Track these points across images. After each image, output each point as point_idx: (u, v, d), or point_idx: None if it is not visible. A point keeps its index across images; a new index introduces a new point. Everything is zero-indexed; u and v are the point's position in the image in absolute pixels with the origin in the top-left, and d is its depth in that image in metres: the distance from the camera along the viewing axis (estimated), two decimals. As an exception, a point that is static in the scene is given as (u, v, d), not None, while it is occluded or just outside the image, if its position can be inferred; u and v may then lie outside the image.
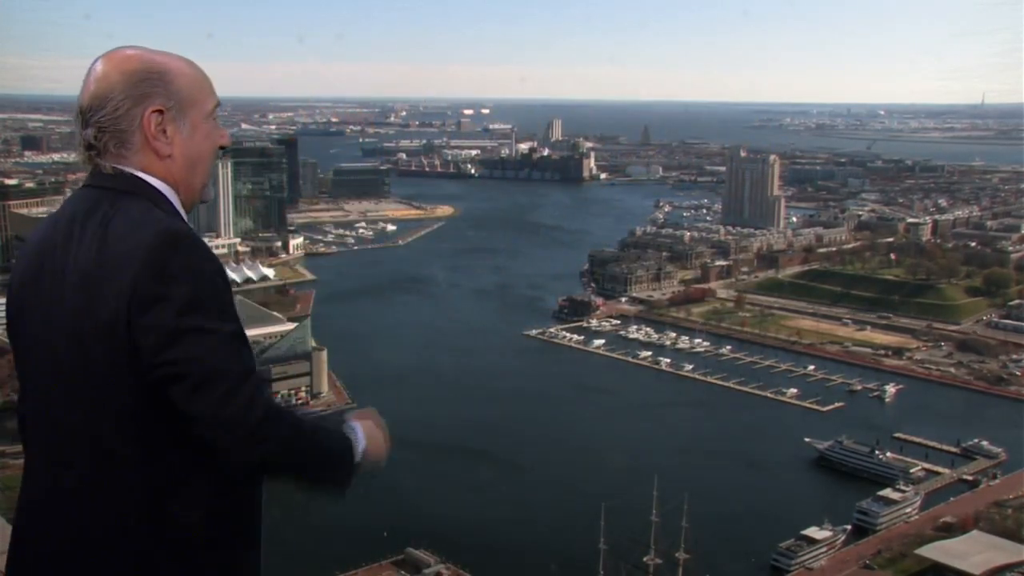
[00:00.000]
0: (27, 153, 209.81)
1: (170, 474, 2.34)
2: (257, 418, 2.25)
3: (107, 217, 2.33)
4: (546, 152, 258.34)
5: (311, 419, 2.50)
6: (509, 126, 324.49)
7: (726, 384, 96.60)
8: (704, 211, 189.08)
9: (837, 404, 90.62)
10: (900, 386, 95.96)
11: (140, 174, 2.43)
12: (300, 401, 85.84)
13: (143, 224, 2.29)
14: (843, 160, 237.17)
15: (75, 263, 2.30)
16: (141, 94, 2.40)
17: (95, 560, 2.36)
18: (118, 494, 2.33)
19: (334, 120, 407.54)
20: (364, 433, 2.63)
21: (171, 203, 2.46)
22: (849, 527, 65.26)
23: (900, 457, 77.23)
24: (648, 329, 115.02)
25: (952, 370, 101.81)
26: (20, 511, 2.51)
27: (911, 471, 74.43)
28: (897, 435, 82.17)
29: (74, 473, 2.37)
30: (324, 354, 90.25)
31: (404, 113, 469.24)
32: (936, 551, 59.76)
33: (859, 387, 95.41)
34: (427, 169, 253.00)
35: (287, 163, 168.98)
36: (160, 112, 2.42)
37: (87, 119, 2.42)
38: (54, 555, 2.40)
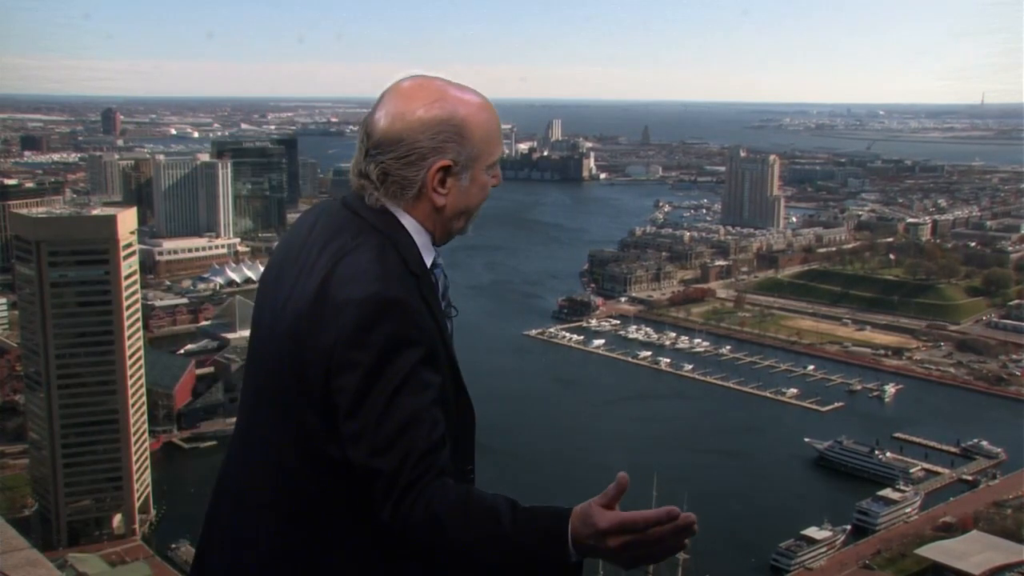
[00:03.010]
0: (27, 153, 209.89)
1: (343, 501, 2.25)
2: (414, 524, 2.11)
3: (343, 251, 2.24)
4: (546, 152, 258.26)
5: (508, 515, 2.19)
6: (509, 126, 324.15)
7: (726, 384, 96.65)
8: (704, 211, 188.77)
9: (837, 404, 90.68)
10: (900, 386, 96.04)
11: (401, 215, 2.34)
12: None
13: (364, 276, 2.18)
14: (843, 160, 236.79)
15: (301, 288, 2.24)
16: (435, 146, 2.28)
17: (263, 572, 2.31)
18: (296, 513, 2.29)
19: (334, 120, 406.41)
20: (574, 538, 2.13)
21: (414, 244, 2.33)
22: (849, 527, 65.40)
23: (900, 457, 77.34)
24: (648, 329, 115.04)
25: (952, 370, 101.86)
26: (207, 515, 2.46)
27: (911, 471, 74.57)
28: (897, 435, 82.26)
29: (258, 490, 2.33)
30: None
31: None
32: (936, 551, 59.85)
33: (859, 387, 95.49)
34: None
35: (287, 163, 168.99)
36: (447, 167, 2.32)
37: (371, 152, 2.31)
38: (230, 564, 2.35)
